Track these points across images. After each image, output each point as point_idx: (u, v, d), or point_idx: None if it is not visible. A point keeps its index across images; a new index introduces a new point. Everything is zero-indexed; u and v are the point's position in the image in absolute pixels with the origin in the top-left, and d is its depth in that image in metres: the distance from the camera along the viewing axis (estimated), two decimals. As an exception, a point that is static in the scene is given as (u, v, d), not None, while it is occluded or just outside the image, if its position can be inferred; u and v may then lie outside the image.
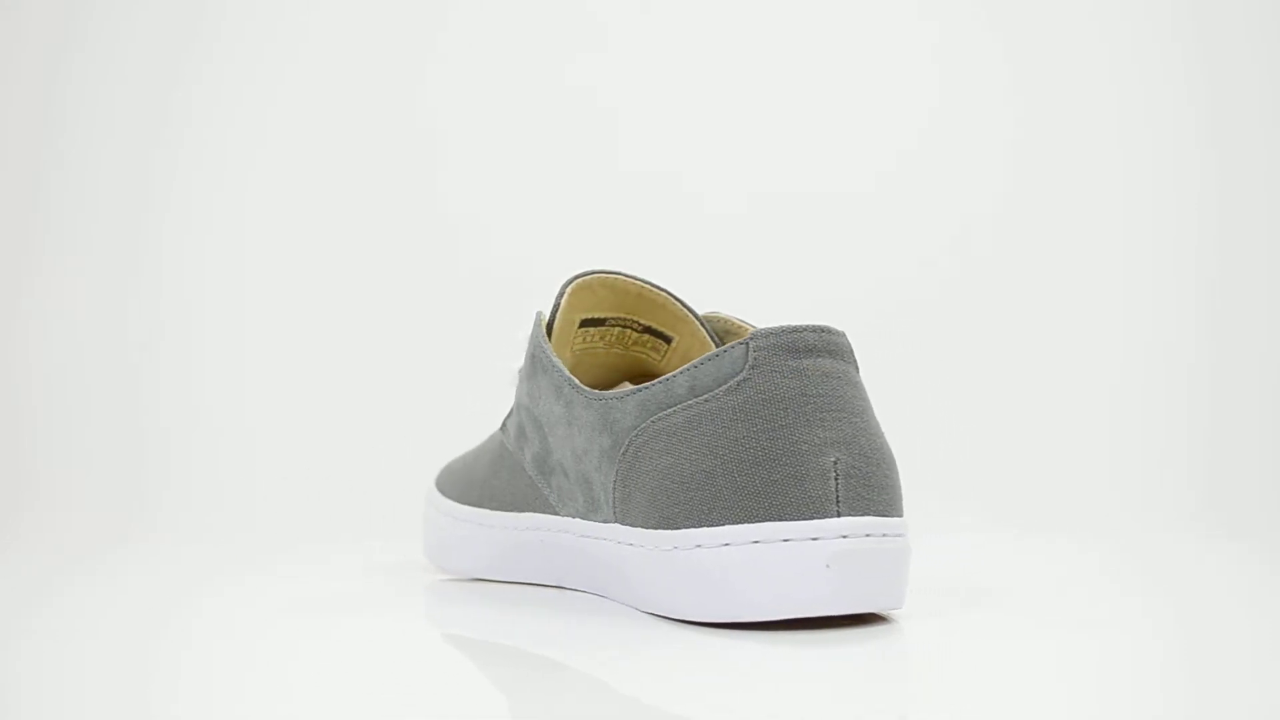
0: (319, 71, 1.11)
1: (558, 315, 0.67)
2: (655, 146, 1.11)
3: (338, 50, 1.11)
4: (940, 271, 1.08)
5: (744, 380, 0.56)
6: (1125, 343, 1.07)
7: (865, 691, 0.48)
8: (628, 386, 0.66)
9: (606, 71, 1.12)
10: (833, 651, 0.52)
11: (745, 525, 0.54)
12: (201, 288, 1.09)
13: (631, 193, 1.10)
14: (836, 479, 0.54)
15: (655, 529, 0.57)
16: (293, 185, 1.10)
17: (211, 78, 1.11)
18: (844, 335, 0.57)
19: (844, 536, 0.54)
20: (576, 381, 0.62)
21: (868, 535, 0.54)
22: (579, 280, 0.68)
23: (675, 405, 0.57)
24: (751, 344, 0.56)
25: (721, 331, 0.69)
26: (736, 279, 0.99)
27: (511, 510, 0.67)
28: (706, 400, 0.56)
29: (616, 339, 0.70)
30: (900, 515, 0.56)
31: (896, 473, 0.57)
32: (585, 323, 0.68)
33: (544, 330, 0.65)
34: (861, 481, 0.54)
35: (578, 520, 0.63)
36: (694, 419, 0.56)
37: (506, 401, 0.71)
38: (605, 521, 0.61)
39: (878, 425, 0.57)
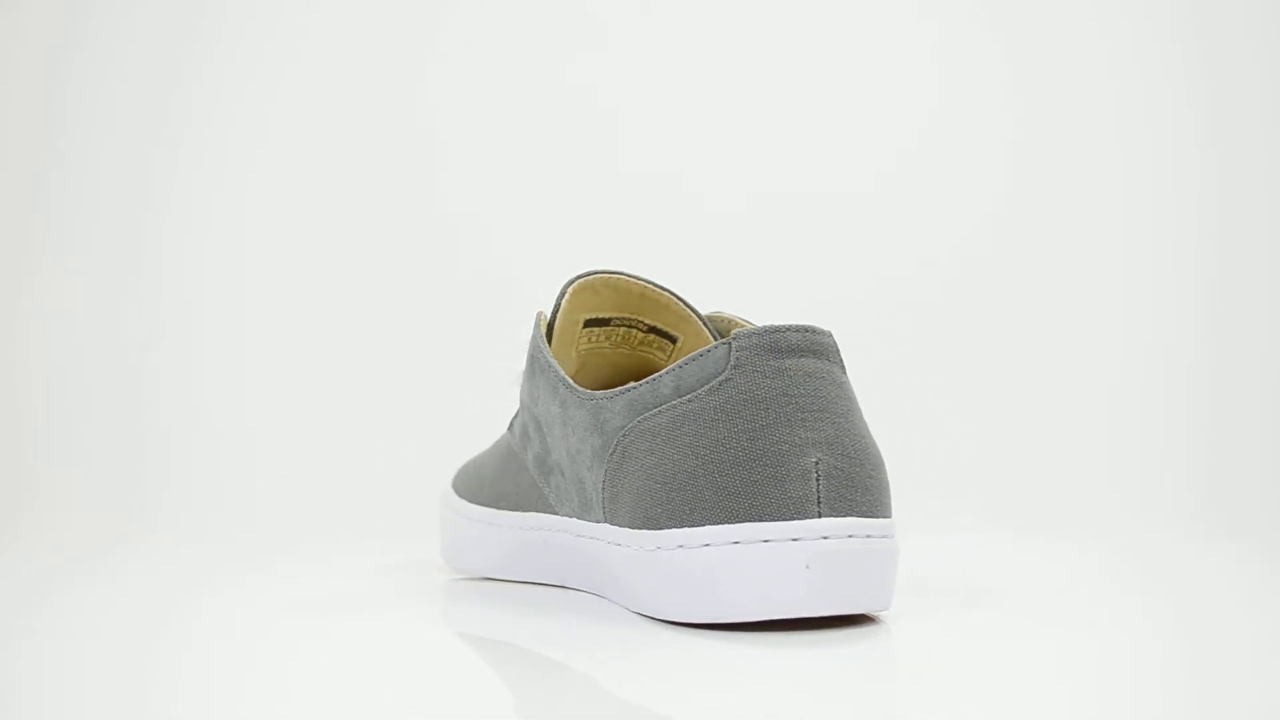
0: (319, 71, 1.11)
1: (559, 315, 0.67)
2: (655, 146, 1.11)
3: (337, 50, 1.11)
4: (941, 271, 1.08)
5: (726, 380, 0.55)
6: (1125, 343, 1.07)
7: (864, 692, 0.48)
8: (629, 386, 0.66)
9: (606, 71, 1.12)
10: (833, 652, 0.52)
11: (726, 526, 0.54)
12: (201, 288, 1.09)
13: (632, 193, 1.10)
14: (818, 479, 0.54)
15: (640, 529, 0.57)
16: (293, 185, 1.10)
17: (211, 78, 1.11)
18: (829, 335, 0.57)
19: (825, 537, 0.53)
20: (571, 381, 0.62)
21: (850, 536, 0.54)
22: (581, 280, 0.67)
23: (661, 405, 0.57)
24: (734, 344, 0.55)
25: (725, 331, 0.68)
26: (737, 279, 0.99)
27: (517, 510, 0.67)
28: (690, 400, 0.56)
29: (623, 339, 0.70)
30: (887, 516, 0.55)
31: (883, 473, 0.56)
32: (590, 322, 0.68)
33: (544, 331, 0.65)
34: (844, 482, 0.54)
35: (574, 520, 0.63)
36: (678, 419, 0.56)
37: (509, 402, 0.71)
38: (597, 521, 0.61)
39: (864, 425, 0.56)
